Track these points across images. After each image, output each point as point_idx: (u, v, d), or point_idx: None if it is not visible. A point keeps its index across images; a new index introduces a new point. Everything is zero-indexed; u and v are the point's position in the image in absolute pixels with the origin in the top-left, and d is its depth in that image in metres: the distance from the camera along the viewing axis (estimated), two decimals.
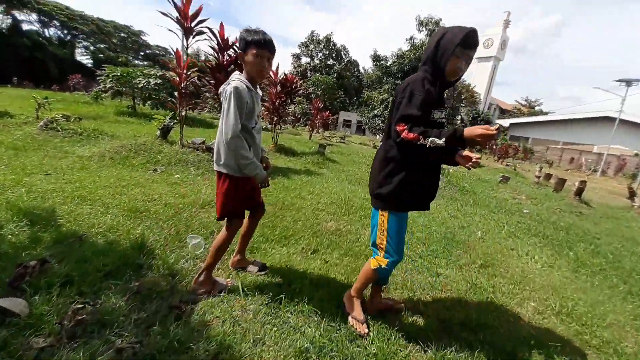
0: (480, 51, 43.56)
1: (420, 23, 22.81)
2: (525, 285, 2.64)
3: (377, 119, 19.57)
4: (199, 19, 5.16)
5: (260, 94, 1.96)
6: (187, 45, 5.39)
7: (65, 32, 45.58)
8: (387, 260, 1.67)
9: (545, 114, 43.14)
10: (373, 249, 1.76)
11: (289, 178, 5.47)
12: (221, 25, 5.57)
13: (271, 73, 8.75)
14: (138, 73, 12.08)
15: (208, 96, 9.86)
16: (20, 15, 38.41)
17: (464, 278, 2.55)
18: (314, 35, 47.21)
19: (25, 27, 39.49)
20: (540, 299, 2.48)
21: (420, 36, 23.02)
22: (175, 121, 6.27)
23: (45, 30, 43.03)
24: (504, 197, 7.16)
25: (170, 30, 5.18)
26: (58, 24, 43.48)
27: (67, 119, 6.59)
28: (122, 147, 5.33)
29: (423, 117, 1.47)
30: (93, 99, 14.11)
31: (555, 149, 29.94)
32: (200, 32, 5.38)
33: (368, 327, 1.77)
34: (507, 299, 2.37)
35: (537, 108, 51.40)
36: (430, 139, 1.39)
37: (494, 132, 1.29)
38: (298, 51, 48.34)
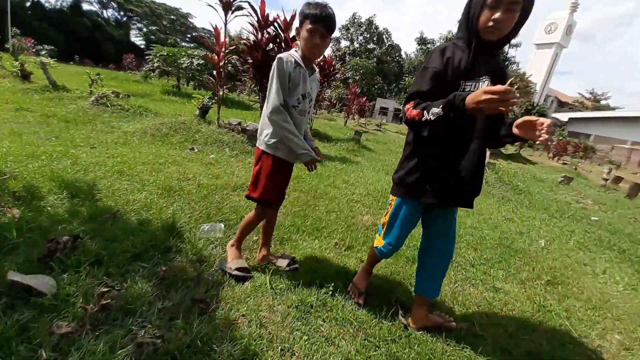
0: (540, 36, 38.80)
1: None
2: (606, 311, 2.17)
3: None
4: None
5: (317, 76, 1.74)
6: (227, 21, 5.25)
7: (122, 13, 48.66)
8: (384, 242, 1.64)
9: (613, 109, 37.78)
10: (379, 226, 1.73)
11: (323, 165, 5.23)
12: (262, 1, 5.32)
13: None
14: (182, 53, 12.41)
15: (246, 77, 9.80)
16: None
17: (529, 297, 2.15)
18: (355, 18, 45.32)
19: (85, 7, 42.68)
20: (627, 330, 2.02)
21: None
22: (213, 101, 6.28)
23: (104, 11, 46.28)
24: (565, 201, 6.29)
25: (209, 5, 5.06)
26: (115, 6, 46.48)
27: (117, 96, 6.90)
28: (163, 124, 5.43)
29: (439, 91, 1.23)
30: (143, 78, 14.89)
31: (622, 148, 26.17)
32: (240, 7, 5.19)
33: (364, 301, 1.78)
34: (586, 327, 1.94)
35: (603, 102, 45.09)
36: (431, 110, 1.18)
37: (505, 90, 0.97)
38: (337, 34, 46.92)
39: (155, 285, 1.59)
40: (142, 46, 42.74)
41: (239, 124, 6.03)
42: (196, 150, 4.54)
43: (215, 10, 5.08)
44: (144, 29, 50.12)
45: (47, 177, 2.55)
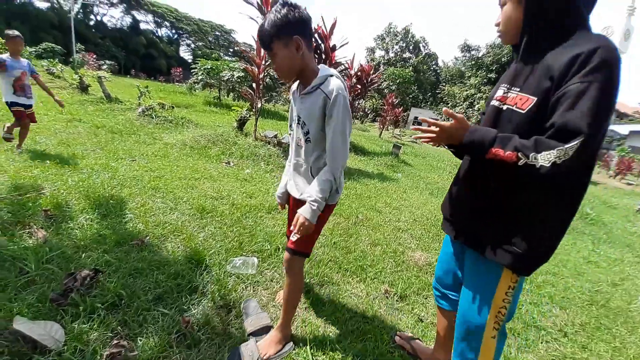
0: None
1: None
2: None
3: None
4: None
5: (315, 94, 1.17)
6: None
7: (174, 31, 53.18)
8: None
9: None
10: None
11: (361, 182, 4.85)
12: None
13: (347, 64, 8.20)
14: (224, 66, 12.90)
15: (283, 88, 9.83)
16: (138, 16, 46.00)
17: None
18: (391, 28, 44.95)
19: (142, 26, 47.25)
20: None
21: None
22: (251, 113, 6.24)
23: (158, 30, 50.87)
24: None
25: (251, 18, 5.02)
26: (168, 24, 50.94)
27: (162, 107, 7.17)
28: (202, 136, 5.45)
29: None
30: (188, 90, 15.74)
31: None
32: None
33: None
34: None
35: None
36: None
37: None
38: (373, 44, 46.79)
39: (174, 341, 1.32)
40: (190, 60, 46.17)
41: (275, 136, 5.90)
42: (232, 164, 4.41)
43: (257, 22, 5.04)
44: (192, 45, 54.24)
45: (83, 194, 2.49)
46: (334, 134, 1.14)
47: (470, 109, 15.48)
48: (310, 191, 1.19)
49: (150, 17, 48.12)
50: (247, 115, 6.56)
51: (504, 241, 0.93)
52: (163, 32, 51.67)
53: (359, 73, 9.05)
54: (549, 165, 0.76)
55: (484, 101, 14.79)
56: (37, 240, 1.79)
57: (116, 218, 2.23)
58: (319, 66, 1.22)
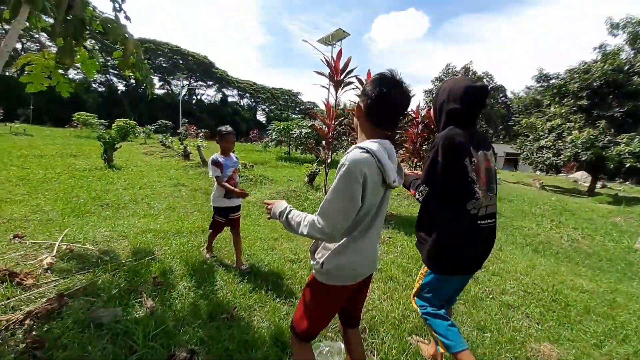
0: None
1: (614, 26, 16.69)
2: None
3: (545, 152, 14.57)
4: (347, 69, 5.23)
5: None
6: (337, 96, 5.55)
7: (252, 100, 62.74)
8: None
9: None
10: None
11: None
12: (368, 73, 5.47)
13: (411, 111, 8.15)
14: (294, 125, 14.29)
15: (347, 140, 10.19)
16: (227, 92, 56.18)
17: None
18: (449, 69, 44.38)
19: (230, 99, 57.19)
20: None
21: (616, 41, 16.63)
22: (320, 168, 6.48)
23: (241, 100, 60.78)
24: None
25: (323, 86, 5.50)
26: (248, 95, 60.60)
27: (244, 167, 8.06)
28: (277, 193, 5.80)
29: None
30: (263, 147, 17.73)
31: None
32: (349, 83, 5.43)
33: None
34: None
35: None
36: None
37: None
38: (431, 86, 46.52)
39: None
40: (264, 121, 53.18)
41: None
42: None
43: (328, 89, 5.47)
44: (266, 109, 62.77)
45: (183, 258, 2.74)
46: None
47: (560, 141, 13.23)
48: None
49: (235, 92, 58.33)
50: (317, 170, 6.84)
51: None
52: (244, 101, 61.43)
53: (425, 120, 8.87)
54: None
55: (577, 132, 12.58)
56: (146, 310, 1.95)
57: (209, 285, 2.34)
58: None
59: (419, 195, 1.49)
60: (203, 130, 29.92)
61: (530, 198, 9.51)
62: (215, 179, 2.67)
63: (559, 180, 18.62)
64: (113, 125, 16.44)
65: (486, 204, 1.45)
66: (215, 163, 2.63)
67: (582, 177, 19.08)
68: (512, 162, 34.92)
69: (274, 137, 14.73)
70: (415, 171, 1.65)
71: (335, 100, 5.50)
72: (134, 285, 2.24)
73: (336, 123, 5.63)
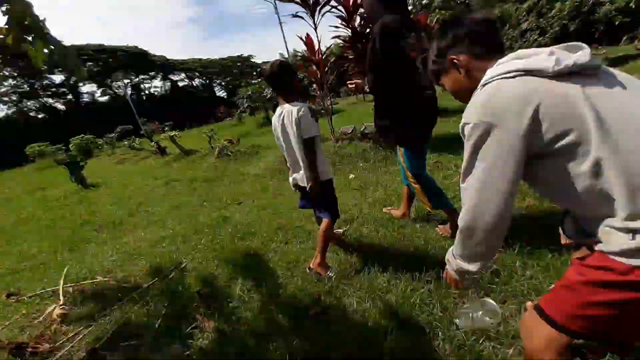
0: None
1: None
2: None
3: (529, 34, 13.52)
4: None
5: None
6: (316, 24, 4.61)
7: (205, 79, 58.00)
8: None
9: None
10: None
11: None
12: None
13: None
14: (263, 87, 13.00)
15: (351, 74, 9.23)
16: (174, 77, 51.54)
17: None
18: None
19: (180, 84, 52.70)
20: None
21: None
22: (317, 116, 5.75)
23: (192, 82, 56.04)
24: None
25: (296, 15, 4.53)
26: (198, 74, 55.72)
27: (230, 143, 7.25)
28: (282, 156, 5.16)
29: None
30: (237, 120, 16.45)
31: None
32: (328, 1, 4.47)
33: None
34: None
35: None
36: None
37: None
38: None
39: None
40: (224, 96, 49.79)
41: (354, 129, 5.29)
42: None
43: (303, 18, 4.52)
44: (222, 83, 58.22)
45: (218, 257, 2.21)
46: None
47: (542, 19, 12.28)
48: None
49: (182, 75, 53.35)
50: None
51: None
52: (197, 82, 56.64)
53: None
54: None
55: (559, 3, 11.55)
56: (209, 335, 1.46)
57: (269, 277, 1.85)
58: None
59: None
60: (166, 123, 27.75)
61: None
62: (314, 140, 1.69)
63: None
64: (70, 145, 14.82)
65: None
66: (313, 113, 1.68)
67: None
68: None
69: (245, 105, 13.48)
70: None
71: (316, 29, 4.58)
72: (177, 308, 1.73)
73: (325, 57, 4.79)
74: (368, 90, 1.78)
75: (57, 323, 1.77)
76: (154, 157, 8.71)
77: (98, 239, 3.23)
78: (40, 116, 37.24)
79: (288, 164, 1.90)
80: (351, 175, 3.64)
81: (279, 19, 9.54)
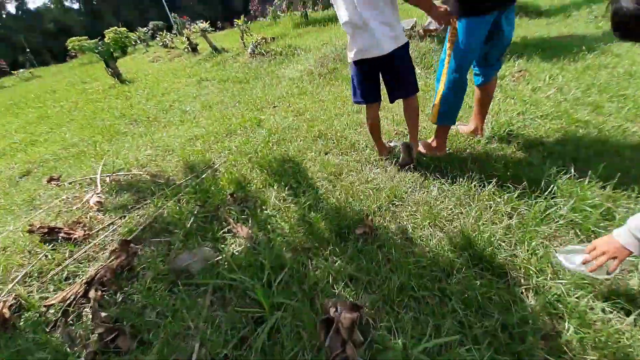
0: None
1: None
2: None
3: None
4: None
5: None
6: None
7: None
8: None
9: None
10: None
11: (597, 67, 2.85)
12: None
13: None
14: None
15: None
16: None
17: None
18: None
19: None
20: None
21: None
22: None
23: None
24: None
25: None
26: None
27: (265, 41, 6.42)
28: (323, 58, 4.43)
29: None
30: (272, 19, 14.58)
31: None
32: None
33: None
34: None
35: None
36: None
37: None
38: None
39: None
40: None
41: (414, 25, 4.24)
42: None
43: None
44: None
45: (253, 161, 1.98)
46: None
47: None
48: None
49: None
50: None
51: None
52: None
53: None
54: None
55: None
56: (243, 242, 1.31)
57: (307, 188, 1.61)
58: None
59: None
60: (198, 21, 25.80)
61: None
62: None
63: None
64: (105, 39, 14.52)
65: None
66: None
67: None
68: None
69: None
70: None
71: None
72: (211, 208, 1.58)
73: None
74: None
75: (94, 210, 1.75)
76: (187, 56, 8.18)
77: (134, 133, 3.16)
78: (75, 6, 36.18)
79: (348, 29, 1.43)
80: None
81: None
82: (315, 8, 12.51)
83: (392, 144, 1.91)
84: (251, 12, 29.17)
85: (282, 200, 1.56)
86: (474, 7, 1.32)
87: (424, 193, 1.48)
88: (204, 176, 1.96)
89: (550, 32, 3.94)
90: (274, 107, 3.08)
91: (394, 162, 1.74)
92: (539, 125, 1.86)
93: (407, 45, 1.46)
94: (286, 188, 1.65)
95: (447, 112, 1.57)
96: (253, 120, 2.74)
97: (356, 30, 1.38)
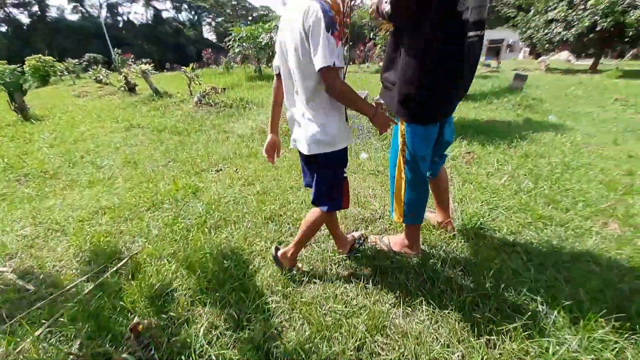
0: None
1: None
2: None
3: (554, 25, 12.16)
4: None
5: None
6: None
7: (193, 12, 52.27)
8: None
9: None
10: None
11: (525, 148, 3.18)
12: None
13: None
14: (260, 30, 11.36)
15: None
16: (158, 5, 45.72)
17: None
18: None
19: (165, 14, 47.16)
20: None
21: None
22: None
23: (179, 15, 50.35)
24: None
25: None
26: (186, 7, 49.94)
27: (215, 91, 6.12)
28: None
29: None
30: (225, 69, 14.68)
31: None
32: None
33: None
34: None
35: None
36: None
37: None
38: None
39: None
40: (215, 41, 45.52)
41: (366, 97, 4.42)
42: None
43: None
44: (213, 23, 52.70)
45: (179, 258, 1.45)
46: None
47: (572, 10, 11.07)
48: None
49: (168, 3, 47.60)
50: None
51: None
52: (184, 15, 51.07)
53: None
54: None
55: None
56: None
57: (254, 310, 1.14)
58: None
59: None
60: (143, 60, 24.89)
61: (558, 85, 8.43)
62: (334, 70, 0.98)
63: (553, 62, 17.39)
64: (24, 66, 12.69)
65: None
66: (332, 22, 1.00)
67: (567, 57, 17.96)
68: (494, 50, 32.63)
69: (237, 50, 11.83)
70: None
71: None
72: (100, 350, 0.99)
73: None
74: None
75: None
76: (121, 95, 7.35)
77: (15, 196, 2.33)
78: (3, 29, 32.08)
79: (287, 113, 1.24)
80: (363, 155, 2.88)
81: None
82: (269, 64, 13.04)
83: (356, 235, 1.60)
84: (204, 59, 29.41)
85: (216, 338, 1.06)
86: (425, 116, 1.24)
87: (411, 318, 1.15)
88: (99, 280, 1.35)
89: (479, 115, 4.45)
90: (217, 170, 2.63)
91: (365, 265, 1.41)
92: (506, 218, 1.79)
93: (337, 154, 1.14)
94: (224, 309, 1.16)
95: (414, 211, 1.39)
96: (188, 188, 2.23)
97: (290, 118, 1.22)
